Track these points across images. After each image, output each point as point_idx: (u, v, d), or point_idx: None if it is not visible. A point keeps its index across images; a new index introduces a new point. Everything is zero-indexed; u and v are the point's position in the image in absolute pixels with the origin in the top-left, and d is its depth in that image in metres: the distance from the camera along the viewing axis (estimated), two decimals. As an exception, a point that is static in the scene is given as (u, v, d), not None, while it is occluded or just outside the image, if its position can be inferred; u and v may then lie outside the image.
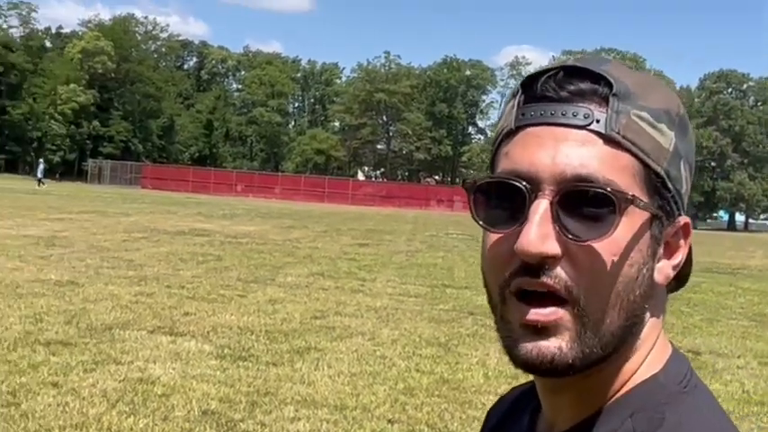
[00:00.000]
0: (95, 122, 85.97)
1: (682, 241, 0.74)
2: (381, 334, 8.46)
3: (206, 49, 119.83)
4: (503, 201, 0.70)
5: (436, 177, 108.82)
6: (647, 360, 0.74)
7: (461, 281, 13.92)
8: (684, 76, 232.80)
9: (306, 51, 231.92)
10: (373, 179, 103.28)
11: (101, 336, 7.43)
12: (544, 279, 0.68)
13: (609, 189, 0.68)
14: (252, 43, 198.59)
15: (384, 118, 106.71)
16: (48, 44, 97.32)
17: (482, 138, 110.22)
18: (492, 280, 0.73)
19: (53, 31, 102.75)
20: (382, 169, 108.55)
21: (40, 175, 55.83)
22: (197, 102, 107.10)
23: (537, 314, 0.69)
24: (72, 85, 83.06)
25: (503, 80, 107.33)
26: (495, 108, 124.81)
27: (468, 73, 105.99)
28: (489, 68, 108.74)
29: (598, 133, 0.69)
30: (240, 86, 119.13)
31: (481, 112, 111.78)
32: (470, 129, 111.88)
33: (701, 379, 0.77)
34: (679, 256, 0.74)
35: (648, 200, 0.70)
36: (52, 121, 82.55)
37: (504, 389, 5.97)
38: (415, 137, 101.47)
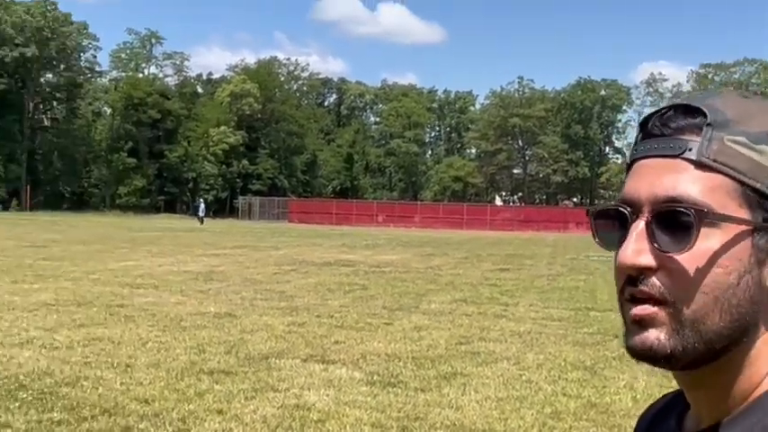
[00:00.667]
0: (244, 161, 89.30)
1: None
2: (526, 358, 8.41)
3: (344, 85, 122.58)
4: (615, 224, 0.81)
5: (574, 200, 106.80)
6: None
7: (605, 303, 13.63)
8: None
9: (440, 81, 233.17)
10: (511, 204, 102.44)
11: (258, 365, 7.73)
12: (641, 287, 0.77)
13: (685, 206, 0.76)
14: (388, 77, 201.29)
15: (520, 142, 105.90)
16: (199, 90, 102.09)
17: (619, 157, 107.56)
18: (616, 290, 0.82)
19: (204, 77, 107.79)
20: (520, 194, 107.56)
21: (201, 213, 58.21)
22: (337, 136, 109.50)
23: (637, 310, 0.78)
24: (222, 128, 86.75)
25: (639, 98, 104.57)
26: (632, 127, 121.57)
27: (602, 93, 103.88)
28: (624, 87, 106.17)
29: (690, 160, 0.78)
30: (378, 119, 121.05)
31: (618, 131, 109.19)
32: (607, 149, 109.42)
33: None
34: None
35: (749, 214, 0.77)
36: (205, 162, 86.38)
37: (653, 412, 5.84)
38: (552, 160, 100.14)
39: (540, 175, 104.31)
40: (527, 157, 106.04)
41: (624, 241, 0.79)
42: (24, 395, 6.22)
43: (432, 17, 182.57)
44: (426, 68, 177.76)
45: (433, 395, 6.71)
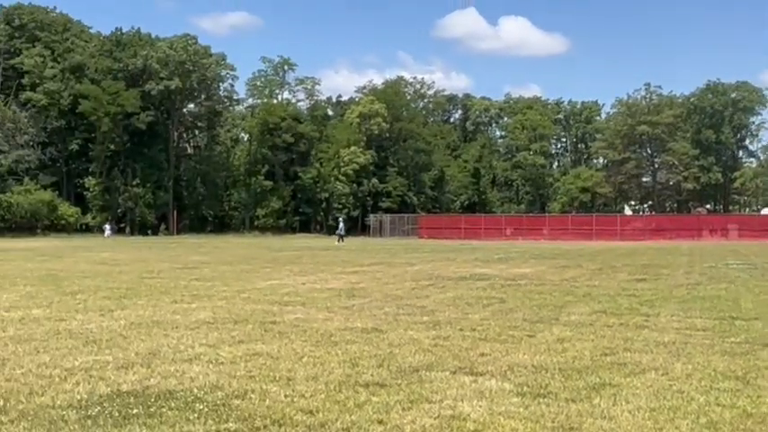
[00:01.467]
0: (374, 180, 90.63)
1: None
2: (674, 368, 8.26)
3: (469, 101, 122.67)
4: None
5: (707, 206, 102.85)
6: None
7: (750, 312, 13.17)
8: None
9: (564, 92, 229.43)
10: (641, 213, 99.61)
11: (410, 377, 7.91)
12: None
13: None
14: (511, 90, 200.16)
15: (648, 150, 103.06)
16: (329, 112, 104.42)
17: (754, 161, 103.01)
18: None
19: (333, 100, 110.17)
20: (650, 202, 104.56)
21: (341, 232, 59.22)
22: (464, 152, 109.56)
23: None
24: (353, 148, 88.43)
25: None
26: (766, 128, 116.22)
27: (733, 95, 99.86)
28: (756, 88, 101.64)
29: None
30: (503, 133, 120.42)
31: (751, 134, 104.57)
32: (740, 153, 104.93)
33: None
34: None
35: None
36: (337, 182, 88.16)
37: (813, 422, 5.66)
38: (682, 166, 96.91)
39: (671, 183, 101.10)
40: (656, 165, 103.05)
41: None
42: (201, 407, 6.61)
43: (553, 28, 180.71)
44: (550, 80, 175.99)
45: (584, 405, 6.71)
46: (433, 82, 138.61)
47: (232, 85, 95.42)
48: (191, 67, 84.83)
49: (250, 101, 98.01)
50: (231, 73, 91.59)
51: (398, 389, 7.37)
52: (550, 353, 9.26)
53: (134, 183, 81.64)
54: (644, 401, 6.83)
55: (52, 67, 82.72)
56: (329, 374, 8.04)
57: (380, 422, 6.20)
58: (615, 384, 7.53)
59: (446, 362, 8.72)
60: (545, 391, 7.29)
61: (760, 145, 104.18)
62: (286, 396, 7.08)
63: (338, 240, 55.74)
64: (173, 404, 6.71)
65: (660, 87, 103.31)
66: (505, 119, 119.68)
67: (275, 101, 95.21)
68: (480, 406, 6.71)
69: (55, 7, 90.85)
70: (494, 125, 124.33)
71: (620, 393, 7.14)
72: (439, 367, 8.42)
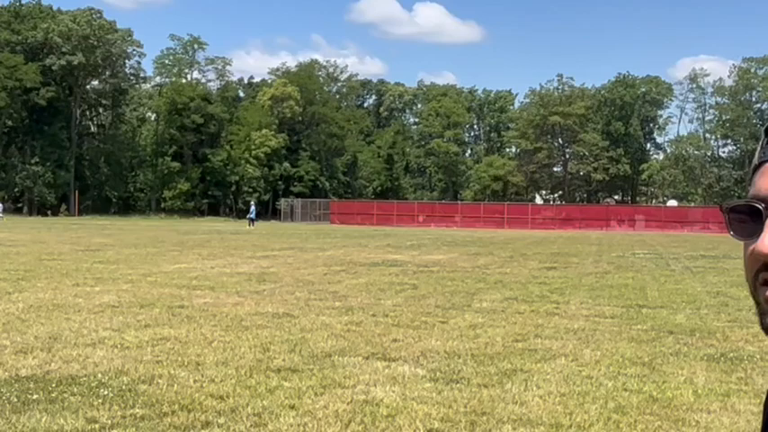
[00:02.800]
0: (286, 164, 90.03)
1: None
2: (584, 355, 8.49)
3: (383, 86, 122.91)
4: (749, 218, 0.94)
5: (615, 197, 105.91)
6: None
7: (656, 300, 13.64)
8: None
9: (479, 80, 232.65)
10: (551, 202, 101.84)
11: (322, 362, 7.91)
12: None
13: None
14: (426, 77, 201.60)
15: (560, 141, 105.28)
16: (241, 94, 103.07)
17: (661, 154, 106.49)
18: (748, 276, 0.96)
19: (245, 81, 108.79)
20: (560, 192, 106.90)
21: (252, 216, 58.44)
22: (377, 138, 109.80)
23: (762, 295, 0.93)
24: (264, 131, 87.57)
25: (682, 94, 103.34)
26: (674, 123, 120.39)
27: (643, 89, 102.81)
28: (665, 83, 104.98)
29: None
30: (417, 120, 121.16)
31: (659, 127, 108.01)
32: (648, 145, 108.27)
33: None
34: None
35: None
36: (248, 165, 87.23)
37: (715, 406, 5.92)
38: (592, 157, 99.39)
39: (581, 173, 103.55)
40: (567, 156, 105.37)
41: (760, 234, 0.92)
42: (105, 392, 6.46)
43: (469, 16, 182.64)
44: (465, 68, 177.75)
45: (496, 391, 6.83)
46: (347, 66, 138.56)
47: (139, 63, 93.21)
48: (95, 43, 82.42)
49: (158, 79, 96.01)
50: (138, 50, 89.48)
51: (311, 374, 7.36)
52: (463, 339, 9.39)
53: (33, 161, 79.00)
54: (554, 387, 7.00)
55: (-55, 38, 79.25)
56: (240, 359, 7.97)
57: (292, 407, 6.18)
58: (526, 370, 7.69)
59: (359, 347, 8.75)
60: (457, 376, 7.39)
61: (667, 138, 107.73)
62: (195, 381, 6.98)
63: (249, 224, 55.18)
64: (75, 390, 6.54)
65: (572, 79, 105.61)
66: (419, 105, 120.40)
67: (184, 80, 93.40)
68: (393, 391, 6.76)
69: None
70: (408, 112, 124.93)
71: (531, 379, 7.29)
72: (351, 353, 8.44)
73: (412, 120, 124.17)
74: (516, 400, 6.53)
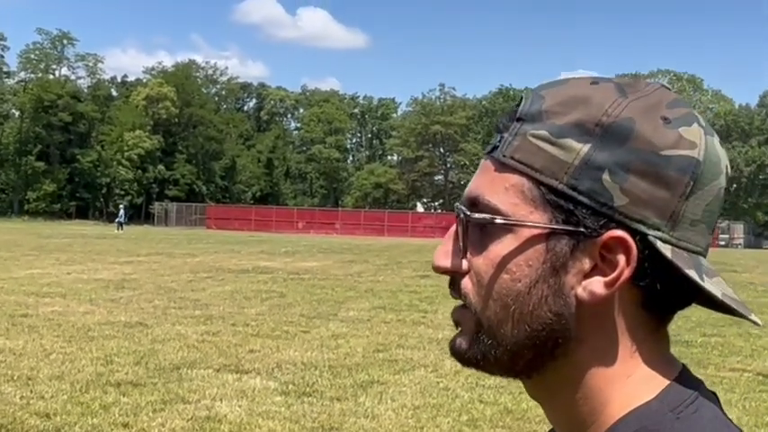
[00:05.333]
0: (161, 166, 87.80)
1: (620, 257, 0.69)
2: (444, 365, 8.41)
3: (265, 90, 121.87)
4: None
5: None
6: (632, 386, 0.71)
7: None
8: (745, 94, 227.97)
9: (362, 87, 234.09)
10: (432, 211, 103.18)
11: (169, 375, 7.53)
12: (452, 290, 0.75)
13: (479, 209, 0.71)
14: (309, 82, 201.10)
15: (441, 150, 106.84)
16: (114, 93, 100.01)
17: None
18: None
19: (119, 79, 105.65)
20: (441, 201, 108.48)
21: (121, 219, 56.50)
22: (257, 142, 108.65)
23: (453, 312, 0.76)
24: (138, 132, 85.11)
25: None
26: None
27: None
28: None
29: (492, 158, 0.73)
30: (299, 125, 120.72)
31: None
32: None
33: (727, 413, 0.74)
34: (615, 273, 0.70)
35: (543, 216, 0.70)
36: (120, 167, 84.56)
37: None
38: (473, 167, 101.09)
39: (462, 182, 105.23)
40: (448, 165, 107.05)
41: None
42: None
43: (353, 23, 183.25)
44: (348, 74, 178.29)
45: (348, 404, 6.64)
46: (227, 68, 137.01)
47: (2, 56, 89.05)
48: (-46, 32, 78.35)
49: (23, 74, 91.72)
50: (1, 42, 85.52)
51: (153, 388, 6.98)
52: (323, 349, 9.17)
53: None
54: (409, 399, 6.86)
55: None
56: (78, 373, 7.51)
57: (125, 425, 5.81)
58: (383, 382, 7.54)
59: (211, 359, 8.41)
60: (311, 389, 7.16)
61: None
62: (22, 398, 6.50)
63: (117, 228, 53.42)
64: None
65: (454, 89, 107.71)
66: (301, 111, 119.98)
67: (51, 76, 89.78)
68: (240, 406, 6.47)
69: None
70: (289, 116, 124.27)
71: (387, 391, 7.14)
72: (202, 364, 8.10)
73: (293, 125, 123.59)
74: (368, 413, 6.36)
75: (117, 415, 6.05)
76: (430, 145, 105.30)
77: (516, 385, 7.23)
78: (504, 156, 0.72)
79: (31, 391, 6.70)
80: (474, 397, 6.98)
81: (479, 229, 0.72)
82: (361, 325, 11.30)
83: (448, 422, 6.15)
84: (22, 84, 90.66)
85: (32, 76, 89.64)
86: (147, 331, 10.09)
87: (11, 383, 6.96)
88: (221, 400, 6.66)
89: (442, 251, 0.75)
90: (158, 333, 9.97)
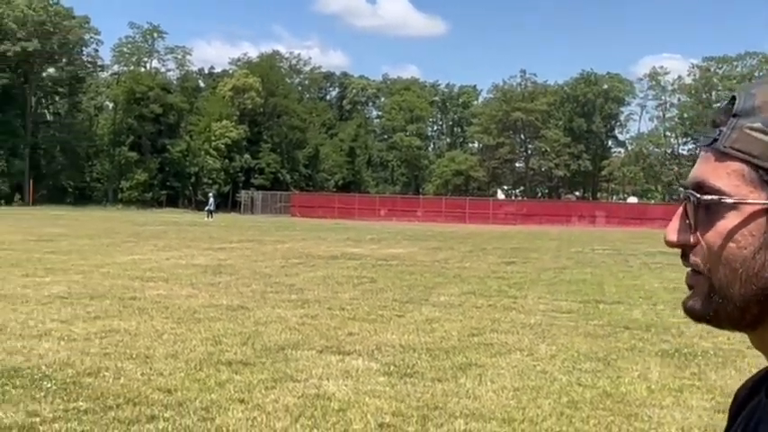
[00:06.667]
0: (246, 156, 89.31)
1: None
2: (539, 349, 8.50)
3: (346, 79, 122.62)
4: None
5: (576, 193, 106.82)
6: None
7: (613, 296, 13.73)
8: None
9: (442, 75, 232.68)
10: (513, 198, 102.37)
11: (275, 356, 7.82)
12: (684, 260, 0.91)
13: (707, 191, 0.87)
14: (390, 70, 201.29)
15: (522, 136, 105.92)
16: (201, 84, 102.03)
17: (622, 151, 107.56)
18: None
19: (206, 71, 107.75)
20: (522, 188, 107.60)
21: (211, 207, 57.58)
22: (340, 130, 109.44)
23: (687, 278, 0.92)
24: (224, 122, 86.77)
25: (642, 91, 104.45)
26: (635, 120, 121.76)
27: (605, 86, 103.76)
28: (627, 80, 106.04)
29: (713, 149, 0.89)
30: (380, 113, 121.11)
31: (620, 125, 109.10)
32: (610, 142, 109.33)
33: None
34: None
35: (763, 194, 0.86)
36: (207, 157, 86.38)
37: (668, 401, 5.91)
38: (554, 153, 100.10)
39: (543, 169, 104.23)
40: (529, 151, 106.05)
41: None
42: (49, 385, 6.31)
43: (433, 10, 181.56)
44: (428, 62, 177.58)
45: (449, 385, 6.80)
46: (310, 58, 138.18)
47: (96, 51, 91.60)
48: (51, 29, 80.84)
49: (116, 68, 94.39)
50: (95, 37, 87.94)
51: (262, 367, 7.27)
52: (419, 333, 9.35)
53: (-15, 149, 77.48)
54: (509, 381, 6.98)
55: None
56: (190, 352, 7.85)
57: (242, 401, 6.09)
58: (481, 365, 7.67)
59: (313, 341, 8.67)
60: (411, 370, 7.35)
61: (628, 135, 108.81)
62: (142, 374, 6.86)
63: (207, 216, 54.60)
64: (18, 382, 6.39)
65: (535, 75, 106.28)
66: (383, 99, 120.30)
67: (143, 69, 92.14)
68: (346, 385, 6.70)
69: None
70: (371, 105, 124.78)
71: (486, 373, 7.27)
72: (305, 346, 8.36)
73: (375, 113, 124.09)
74: (470, 394, 6.51)
75: (232, 391, 6.35)
76: (511, 132, 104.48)
77: (614, 368, 7.30)
78: (724, 146, 0.88)
79: (150, 368, 7.06)
80: (572, 380, 7.06)
81: (705, 209, 0.88)
82: (453, 310, 11.44)
83: (549, 403, 6.26)
84: (116, 76, 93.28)
85: (125, 68, 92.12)
86: (248, 314, 10.44)
87: (130, 361, 7.34)
88: (327, 379, 6.90)
89: (672, 228, 0.92)
90: (260, 316, 10.30)
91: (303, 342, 8.56)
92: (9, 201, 77.33)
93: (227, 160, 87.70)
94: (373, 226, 49.55)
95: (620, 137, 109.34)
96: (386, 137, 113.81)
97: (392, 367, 7.44)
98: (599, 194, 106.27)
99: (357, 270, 17.39)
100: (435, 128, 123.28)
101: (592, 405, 6.25)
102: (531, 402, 6.29)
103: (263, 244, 26.05)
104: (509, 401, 6.31)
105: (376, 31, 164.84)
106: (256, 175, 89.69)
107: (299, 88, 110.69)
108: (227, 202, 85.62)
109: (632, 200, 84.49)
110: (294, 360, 7.64)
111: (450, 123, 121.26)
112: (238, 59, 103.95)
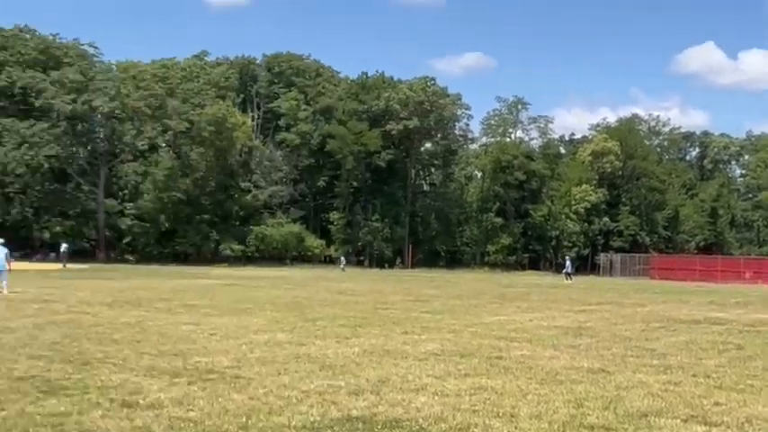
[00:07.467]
0: (605, 218, 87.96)
1: None
2: None
3: (707, 138, 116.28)
4: None
5: None
6: None
7: None
8: None
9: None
10: None
11: (638, 422, 7.47)
12: None
13: None
14: (754, 126, 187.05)
15: None
16: (562, 150, 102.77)
17: None
18: None
19: (566, 138, 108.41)
20: None
21: (569, 270, 56.93)
22: (700, 191, 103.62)
23: None
24: (584, 186, 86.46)
25: None
26: None
27: None
28: None
29: None
30: (744, 171, 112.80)
31: None
32: None
33: None
34: None
35: None
36: (567, 220, 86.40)
37: None
38: None
39: None
40: None
41: None
42: (425, 437, 6.60)
43: None
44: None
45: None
46: (669, 119, 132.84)
47: (467, 124, 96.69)
48: (428, 108, 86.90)
49: (484, 139, 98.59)
50: (466, 112, 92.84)
51: (625, 434, 6.98)
52: (790, 407, 8.39)
53: (373, 218, 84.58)
54: None
55: (305, 110, 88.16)
56: (553, 414, 7.78)
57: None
58: None
59: (677, 409, 8.16)
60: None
61: None
62: (503, 434, 6.92)
63: (566, 278, 54.25)
64: (398, 432, 6.77)
65: None
66: (746, 157, 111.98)
67: (508, 139, 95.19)
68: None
69: (309, 55, 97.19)
70: (733, 163, 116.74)
71: None
72: (669, 414, 7.89)
73: (738, 172, 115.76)
74: None
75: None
76: None
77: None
78: None
79: (516, 427, 7.10)
80: None
81: None
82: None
83: None
84: (484, 147, 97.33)
85: (492, 140, 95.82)
86: (609, 377, 10.11)
87: (497, 419, 7.45)
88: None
89: None
90: (621, 380, 9.94)
91: (666, 410, 8.09)
92: (392, 264, 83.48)
93: (586, 223, 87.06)
94: (738, 289, 45.80)
95: None
96: (750, 195, 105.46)
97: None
98: None
99: (722, 335, 16.13)
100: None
101: None
102: None
103: (623, 306, 25.24)
104: None
105: (737, 87, 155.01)
106: (615, 238, 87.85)
107: (659, 149, 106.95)
108: (587, 265, 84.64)
109: None
110: (657, 428, 7.25)
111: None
112: (597, 124, 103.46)
